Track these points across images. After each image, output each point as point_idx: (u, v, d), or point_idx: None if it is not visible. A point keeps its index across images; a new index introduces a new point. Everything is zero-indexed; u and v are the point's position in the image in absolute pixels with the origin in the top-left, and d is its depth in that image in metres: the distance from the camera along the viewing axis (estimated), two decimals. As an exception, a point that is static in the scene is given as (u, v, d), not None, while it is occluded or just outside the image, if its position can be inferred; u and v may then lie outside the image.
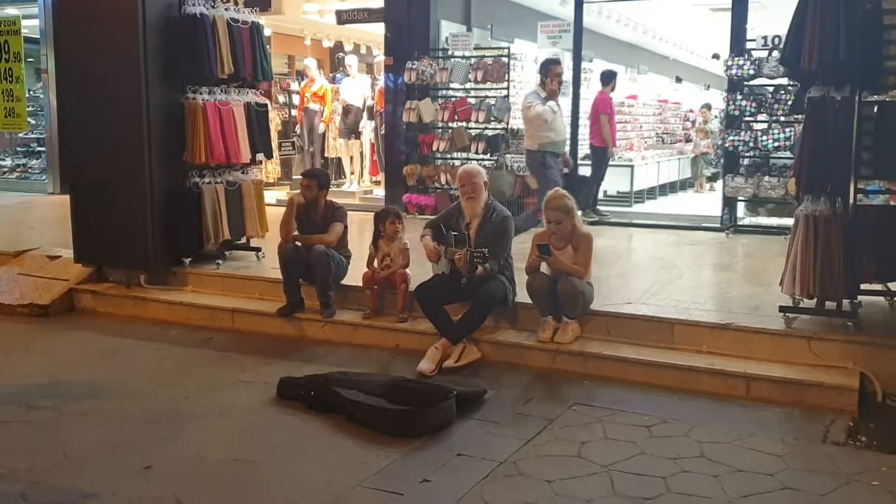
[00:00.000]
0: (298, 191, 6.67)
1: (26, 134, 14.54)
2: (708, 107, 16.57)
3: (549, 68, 8.10)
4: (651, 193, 14.51)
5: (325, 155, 13.17)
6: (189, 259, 7.34)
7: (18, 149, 17.92)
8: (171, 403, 5.00)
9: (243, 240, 7.73)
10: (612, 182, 12.88)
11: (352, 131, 12.64)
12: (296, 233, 6.43)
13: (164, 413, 4.85)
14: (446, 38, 11.02)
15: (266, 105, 7.83)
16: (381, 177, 12.31)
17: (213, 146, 7.08)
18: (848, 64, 5.01)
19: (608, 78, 11.12)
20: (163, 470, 4.08)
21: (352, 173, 13.00)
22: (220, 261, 7.40)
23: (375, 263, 6.38)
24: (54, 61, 7.34)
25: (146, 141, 6.94)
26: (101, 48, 6.99)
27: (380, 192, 11.98)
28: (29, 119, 11.20)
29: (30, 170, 16.01)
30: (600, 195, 11.55)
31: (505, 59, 10.42)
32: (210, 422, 4.74)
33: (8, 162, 17.54)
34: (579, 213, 6.10)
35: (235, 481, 3.99)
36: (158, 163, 7.05)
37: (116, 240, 7.21)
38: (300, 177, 6.92)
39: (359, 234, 8.17)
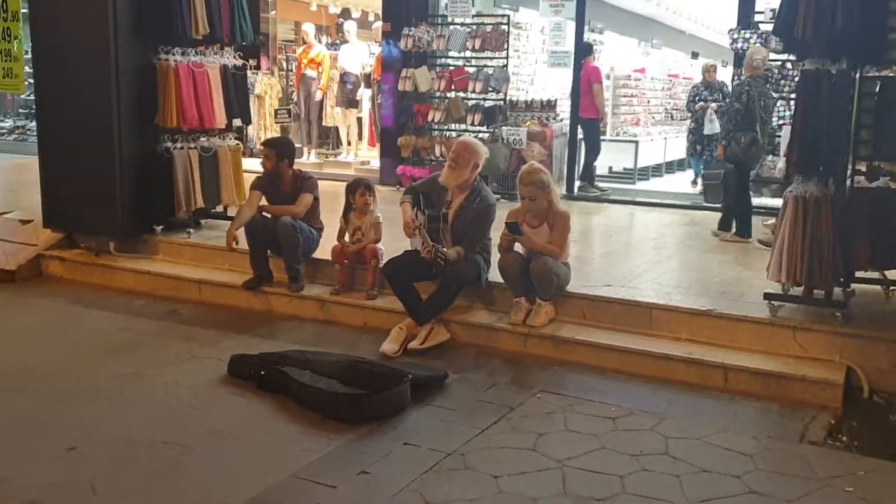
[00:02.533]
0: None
1: (28, 95, 14.26)
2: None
3: None
4: (657, 171, 14.10)
5: (323, 123, 12.86)
6: (160, 227, 7.08)
7: (21, 110, 17.73)
8: (116, 380, 4.75)
9: (219, 208, 7.45)
10: (616, 158, 12.50)
11: (350, 100, 12.30)
12: (263, 202, 6.15)
13: (105, 390, 4.61)
14: (445, 4, 10.63)
15: (245, 68, 7.49)
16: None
17: (185, 109, 6.78)
18: (846, 34, 4.63)
19: (587, 50, 10.72)
20: (87, 452, 3.83)
21: (348, 143, 12.69)
22: (191, 229, 7.12)
23: (346, 237, 6.09)
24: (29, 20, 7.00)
25: (115, 102, 6.64)
26: (71, 4, 6.71)
27: (377, 162, 11.65)
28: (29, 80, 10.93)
29: (28, 131, 15.77)
30: (600, 171, 11.18)
31: (504, 27, 10.02)
32: (151, 401, 4.49)
33: (8, 123, 17.37)
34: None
35: (160, 467, 3.73)
36: (129, 126, 6.76)
37: (85, 205, 6.94)
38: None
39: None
